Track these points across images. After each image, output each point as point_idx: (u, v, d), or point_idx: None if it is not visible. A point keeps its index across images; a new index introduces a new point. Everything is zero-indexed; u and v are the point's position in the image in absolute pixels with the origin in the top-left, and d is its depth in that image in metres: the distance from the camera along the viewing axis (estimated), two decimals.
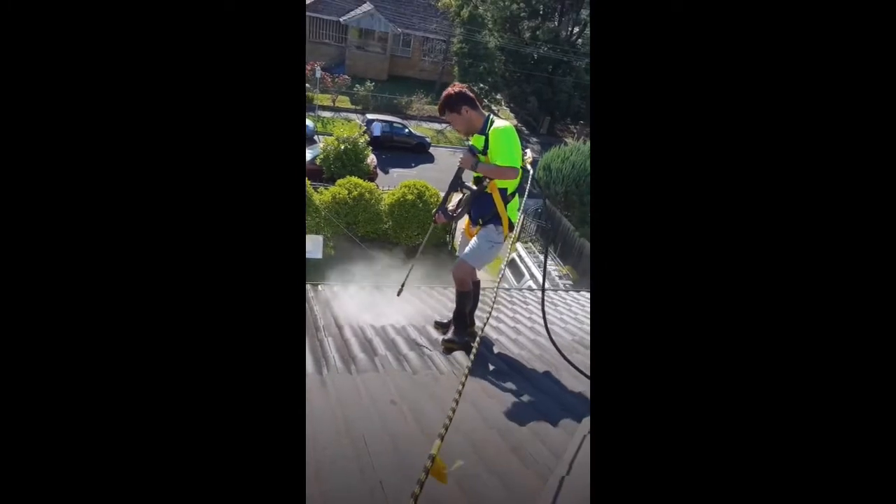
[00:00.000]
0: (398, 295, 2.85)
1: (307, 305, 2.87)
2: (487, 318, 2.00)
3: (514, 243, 2.56)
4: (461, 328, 2.46)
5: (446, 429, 0.89)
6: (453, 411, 0.91)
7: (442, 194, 2.56)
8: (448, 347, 2.41)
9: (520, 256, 9.43)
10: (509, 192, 2.34)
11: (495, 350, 2.48)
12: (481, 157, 2.29)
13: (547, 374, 2.25)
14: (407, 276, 2.87)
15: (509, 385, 2.05)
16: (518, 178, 2.30)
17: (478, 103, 2.36)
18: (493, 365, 2.26)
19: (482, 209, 2.39)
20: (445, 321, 2.58)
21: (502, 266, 2.14)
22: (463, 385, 1.09)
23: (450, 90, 2.35)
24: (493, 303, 2.22)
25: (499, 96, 22.55)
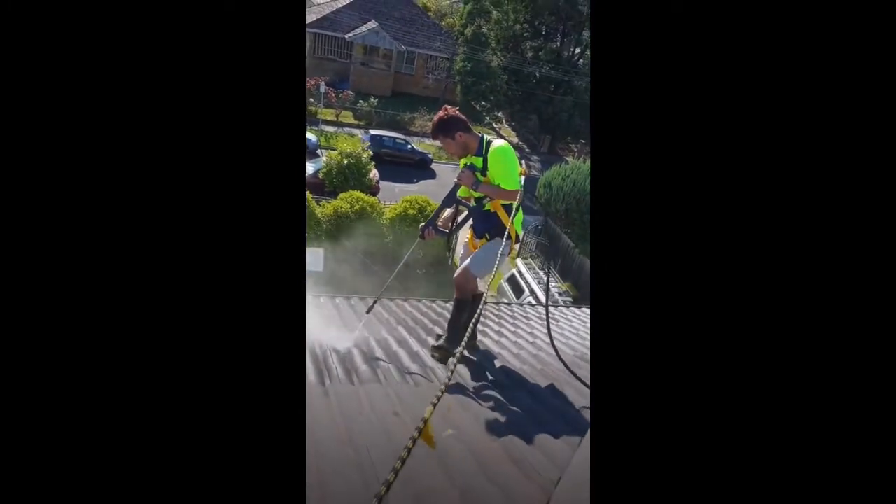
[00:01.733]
0: (368, 312, 2.68)
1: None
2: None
3: (513, 259, 2.57)
4: (454, 336, 2.42)
5: (438, 399, 0.89)
6: (438, 399, 0.92)
7: None
8: (440, 355, 2.37)
9: (520, 272, 9.43)
10: (513, 206, 2.33)
11: (497, 364, 2.48)
12: (479, 177, 2.30)
13: (549, 388, 2.25)
14: (381, 293, 2.79)
15: (512, 398, 2.05)
16: (521, 195, 2.31)
17: (469, 125, 2.36)
18: (495, 378, 2.27)
19: (488, 224, 2.41)
20: (441, 342, 2.52)
21: (502, 281, 2.13)
22: (441, 393, 1.10)
23: (442, 114, 2.31)
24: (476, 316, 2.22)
25: (500, 114, 22.80)
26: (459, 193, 2.45)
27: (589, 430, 1.69)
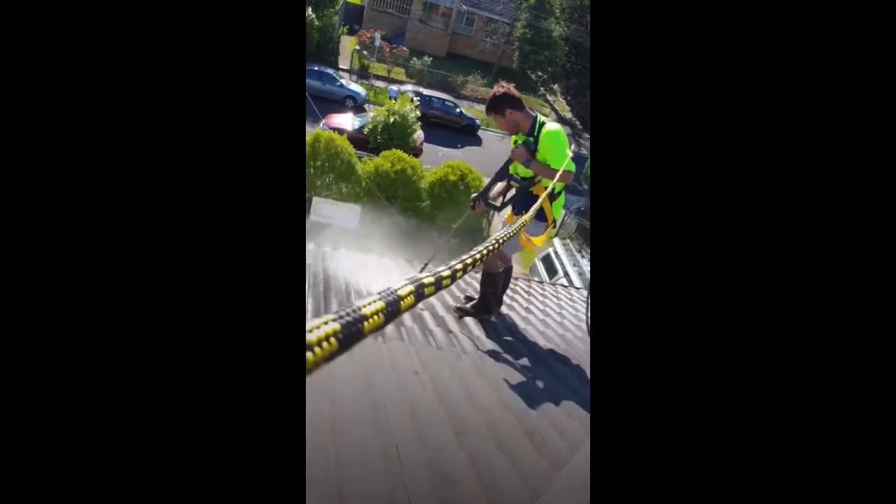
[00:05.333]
0: (420, 272, 2.85)
1: (341, 272, 2.92)
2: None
3: (550, 239, 2.57)
4: (482, 304, 2.53)
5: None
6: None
7: (485, 179, 2.59)
8: (460, 314, 2.50)
9: (556, 253, 9.28)
10: (556, 190, 2.35)
11: (522, 338, 2.47)
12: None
13: (570, 368, 2.23)
14: (434, 254, 2.92)
15: (531, 373, 2.04)
16: (571, 178, 2.30)
17: (523, 104, 2.34)
18: (517, 352, 2.26)
19: (527, 202, 2.39)
20: (467, 306, 2.59)
21: (536, 260, 2.12)
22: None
23: (495, 90, 2.34)
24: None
25: (555, 87, 22.06)
26: (513, 170, 2.45)
27: None
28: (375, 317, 0.51)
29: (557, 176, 2.19)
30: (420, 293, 0.61)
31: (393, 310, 0.54)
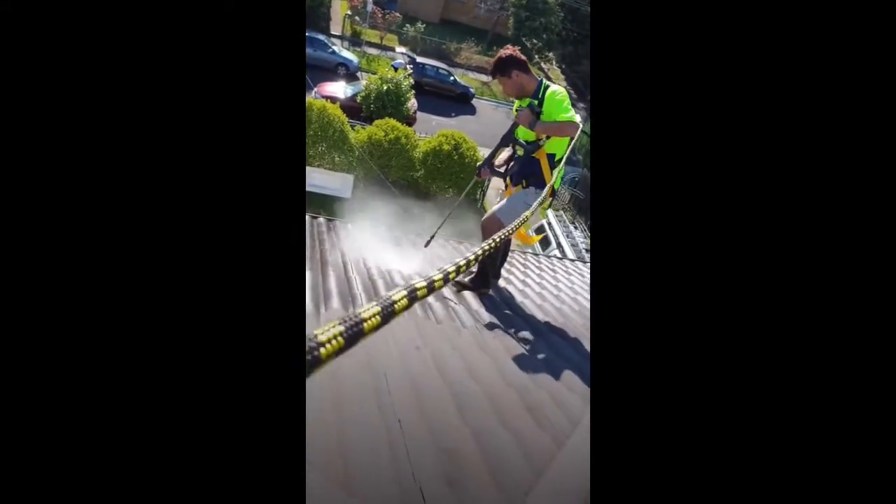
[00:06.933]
0: (426, 246, 2.91)
1: (336, 243, 2.90)
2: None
3: (544, 210, 2.57)
4: (480, 278, 2.53)
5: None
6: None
7: (480, 148, 2.57)
8: (459, 288, 2.52)
9: (549, 224, 9.26)
10: (557, 157, 2.32)
11: (520, 312, 2.48)
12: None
13: (569, 342, 2.25)
14: (439, 227, 2.90)
15: (531, 347, 2.06)
16: (567, 146, 2.27)
17: (529, 67, 2.35)
18: (515, 325, 2.27)
19: (528, 172, 2.39)
20: (466, 280, 2.57)
21: (529, 232, 2.11)
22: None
23: (501, 53, 2.37)
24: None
25: (551, 54, 21.61)
26: (517, 134, 2.41)
27: None
28: (373, 319, 0.58)
29: (565, 130, 2.20)
30: (413, 296, 0.67)
31: (388, 313, 0.62)
